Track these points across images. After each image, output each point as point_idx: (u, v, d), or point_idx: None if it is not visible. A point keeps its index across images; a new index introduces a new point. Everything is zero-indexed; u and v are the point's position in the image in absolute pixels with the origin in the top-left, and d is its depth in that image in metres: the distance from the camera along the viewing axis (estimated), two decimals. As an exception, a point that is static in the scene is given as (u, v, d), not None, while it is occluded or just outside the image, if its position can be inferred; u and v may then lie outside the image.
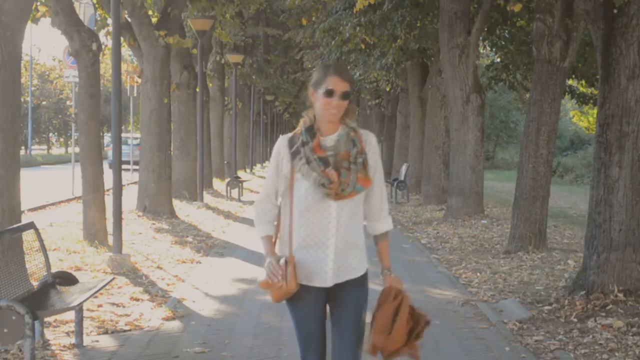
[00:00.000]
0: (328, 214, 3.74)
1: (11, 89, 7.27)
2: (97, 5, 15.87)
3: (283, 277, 3.74)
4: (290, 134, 3.84)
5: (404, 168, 22.55)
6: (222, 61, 27.25)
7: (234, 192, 22.05)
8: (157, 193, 15.94)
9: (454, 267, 10.69)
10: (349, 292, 3.84)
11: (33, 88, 53.19)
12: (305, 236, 3.76)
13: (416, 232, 14.69)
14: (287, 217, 3.81)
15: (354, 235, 3.81)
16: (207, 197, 20.50)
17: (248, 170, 35.55)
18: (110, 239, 10.80)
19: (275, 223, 3.92)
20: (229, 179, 22.62)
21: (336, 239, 3.76)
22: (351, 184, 3.70)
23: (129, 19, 15.61)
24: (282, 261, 3.75)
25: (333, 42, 21.12)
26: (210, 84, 26.30)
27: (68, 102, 48.33)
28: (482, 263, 10.83)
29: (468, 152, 15.60)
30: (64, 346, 6.39)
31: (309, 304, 3.92)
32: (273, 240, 3.88)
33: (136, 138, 31.22)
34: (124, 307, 7.93)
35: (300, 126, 3.81)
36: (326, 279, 3.79)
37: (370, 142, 3.83)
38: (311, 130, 3.77)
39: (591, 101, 21.89)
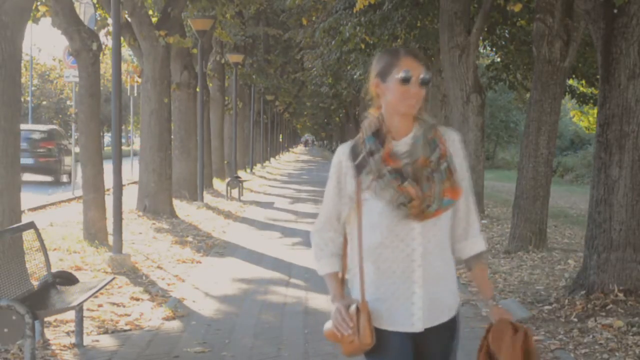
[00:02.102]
0: (411, 239, 2.91)
1: (11, 89, 7.27)
2: (97, 5, 15.87)
3: (354, 329, 2.90)
4: (351, 142, 3.01)
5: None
6: (223, 61, 27.24)
7: (234, 192, 22.05)
8: (157, 193, 15.94)
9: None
10: (440, 340, 3.03)
11: (33, 88, 53.16)
12: (383, 271, 2.93)
13: (416, 232, 14.67)
14: (356, 249, 2.95)
15: (445, 263, 2.99)
16: (207, 197, 20.50)
17: (248, 170, 35.56)
18: (111, 239, 10.81)
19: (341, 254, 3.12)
20: (229, 179, 22.62)
21: (424, 270, 2.92)
22: (437, 199, 2.86)
23: (129, 19, 15.61)
24: (352, 308, 2.91)
25: (333, 42, 21.13)
26: (211, 84, 26.30)
27: (68, 102, 48.32)
28: (482, 263, 10.82)
29: (468, 151, 15.58)
30: (64, 346, 6.39)
31: (393, 355, 2.97)
32: (340, 277, 3.07)
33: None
34: (124, 306, 7.93)
35: (364, 131, 2.97)
36: (414, 322, 2.94)
37: (454, 141, 3.02)
38: (379, 135, 2.92)
39: (591, 101, 21.89)
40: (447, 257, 3.02)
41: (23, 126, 16.70)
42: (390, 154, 2.90)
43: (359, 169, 2.92)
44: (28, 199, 14.66)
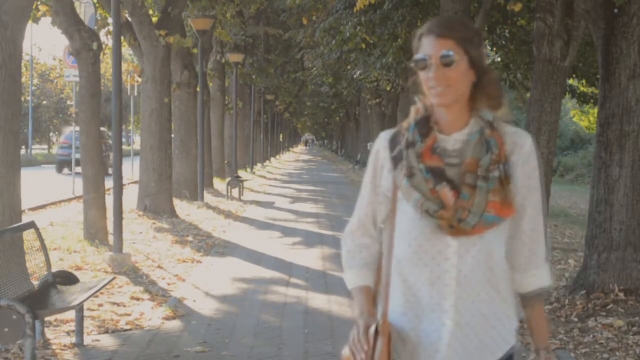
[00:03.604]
0: (443, 258, 2.37)
1: (11, 88, 7.27)
2: (97, 5, 15.87)
3: (368, 353, 2.36)
4: (393, 130, 2.53)
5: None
6: (223, 60, 27.25)
7: (235, 192, 22.05)
8: (158, 192, 15.94)
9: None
10: None
11: (33, 87, 53.18)
12: (409, 292, 2.42)
13: (416, 232, 14.67)
14: (387, 258, 2.48)
15: (493, 297, 2.41)
16: (208, 197, 20.51)
17: (248, 170, 35.56)
18: (111, 239, 10.81)
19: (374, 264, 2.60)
20: (229, 179, 22.62)
21: (458, 299, 2.37)
22: (475, 212, 2.31)
23: (130, 19, 15.62)
24: (371, 329, 2.40)
25: (333, 42, 21.13)
26: (211, 84, 26.31)
27: (68, 102, 48.39)
28: (482, 262, 10.82)
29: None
30: (65, 345, 6.39)
31: None
32: (372, 293, 2.54)
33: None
34: (124, 306, 7.93)
35: (410, 117, 2.49)
36: None
37: (523, 147, 2.42)
38: (425, 125, 2.42)
39: (592, 100, 21.89)
40: (498, 289, 2.41)
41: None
42: (432, 149, 2.38)
43: (395, 162, 2.42)
44: (28, 198, 14.66)
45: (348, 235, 2.59)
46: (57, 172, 19.14)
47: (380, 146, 2.50)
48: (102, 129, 30.95)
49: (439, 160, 2.37)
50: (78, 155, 13.24)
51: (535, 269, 2.50)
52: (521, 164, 2.41)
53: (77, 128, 27.91)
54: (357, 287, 2.53)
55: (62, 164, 31.24)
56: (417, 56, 2.39)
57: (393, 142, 2.46)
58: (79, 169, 9.80)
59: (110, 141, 29.99)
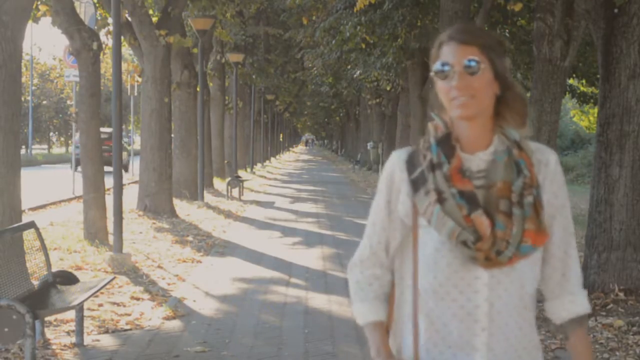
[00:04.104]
0: (474, 292, 2.16)
1: (12, 88, 7.27)
2: (97, 5, 15.88)
3: None
4: (408, 149, 2.29)
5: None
6: (223, 60, 27.25)
7: (235, 192, 22.06)
8: (158, 192, 15.94)
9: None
10: None
11: (34, 87, 53.21)
12: (432, 328, 2.20)
13: (417, 232, 14.67)
14: (409, 294, 2.25)
15: (522, 330, 2.21)
16: (208, 197, 20.51)
17: (249, 170, 35.56)
18: (111, 238, 10.81)
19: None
20: (229, 179, 22.62)
21: (490, 336, 2.17)
22: (513, 243, 2.11)
23: (130, 19, 15.62)
24: None
25: (333, 42, 21.15)
26: (211, 84, 26.31)
27: (69, 102, 48.38)
28: (482, 262, 10.83)
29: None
30: (65, 345, 6.39)
31: None
32: (386, 327, 2.34)
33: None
34: (124, 306, 7.93)
35: (428, 135, 2.24)
36: None
37: (548, 164, 2.24)
38: (447, 144, 2.18)
39: (592, 100, 21.91)
40: (530, 321, 2.23)
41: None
42: (460, 170, 2.15)
43: (416, 185, 2.19)
44: (28, 198, 14.66)
45: (357, 265, 2.36)
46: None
47: (395, 168, 2.26)
48: (108, 129, 32.13)
49: (469, 183, 2.14)
50: None
51: (570, 294, 2.28)
52: (548, 182, 2.22)
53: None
54: (370, 323, 2.31)
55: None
56: (438, 65, 2.18)
57: (411, 163, 2.23)
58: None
59: (125, 141, 32.47)
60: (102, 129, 11.12)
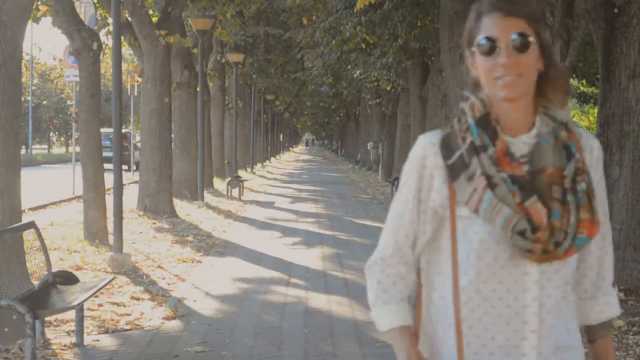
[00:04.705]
0: (522, 290, 1.96)
1: (12, 88, 7.27)
2: (97, 5, 15.87)
3: None
4: (440, 132, 2.05)
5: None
6: (223, 60, 27.26)
7: (235, 192, 22.05)
8: (158, 192, 15.94)
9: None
10: None
11: (34, 87, 53.21)
12: (470, 333, 1.98)
13: (417, 232, 14.67)
14: (446, 291, 2.02)
15: (568, 330, 2.03)
16: (208, 197, 20.51)
17: (249, 170, 35.55)
18: (111, 239, 10.81)
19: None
20: (229, 179, 22.63)
21: (540, 339, 1.97)
22: (571, 233, 1.92)
23: (130, 19, 15.62)
24: None
25: (333, 42, 21.15)
26: (211, 84, 26.31)
27: (69, 102, 48.36)
28: (482, 262, 10.82)
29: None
30: (65, 345, 6.39)
31: None
32: (414, 332, 2.09)
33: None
34: (124, 306, 7.93)
35: (465, 115, 2.01)
36: None
37: (592, 150, 2.05)
38: (486, 125, 1.97)
39: (592, 100, 21.93)
40: (572, 320, 2.05)
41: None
42: (507, 153, 1.94)
43: (455, 171, 1.96)
44: (28, 198, 14.66)
45: (377, 263, 2.09)
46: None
47: (426, 152, 2.01)
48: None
49: (520, 167, 1.93)
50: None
51: (605, 295, 2.11)
52: (593, 171, 2.02)
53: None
54: (397, 328, 2.05)
55: None
56: (480, 39, 1.94)
57: (446, 147, 1.99)
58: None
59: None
60: (106, 129, 11.25)
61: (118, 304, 7.98)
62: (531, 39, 1.92)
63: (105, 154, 12.80)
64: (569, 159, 1.96)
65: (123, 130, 36.45)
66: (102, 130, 15.14)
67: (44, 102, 57.50)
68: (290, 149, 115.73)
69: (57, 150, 65.97)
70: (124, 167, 33.38)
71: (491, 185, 1.91)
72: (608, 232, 2.09)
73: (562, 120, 2.00)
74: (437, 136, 2.03)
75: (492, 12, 1.95)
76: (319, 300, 8.40)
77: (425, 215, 2.03)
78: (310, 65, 31.48)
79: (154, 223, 14.67)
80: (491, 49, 1.93)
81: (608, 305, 2.12)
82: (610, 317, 2.12)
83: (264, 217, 17.30)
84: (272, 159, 59.88)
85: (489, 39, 1.93)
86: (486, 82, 1.97)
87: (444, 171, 1.99)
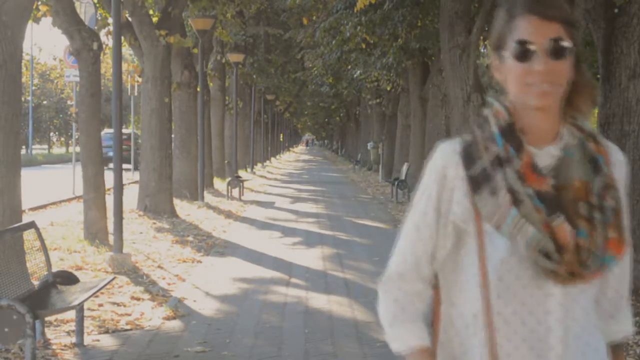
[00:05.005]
0: (545, 312, 1.84)
1: (12, 88, 7.27)
2: (97, 5, 15.88)
3: None
4: (460, 140, 1.93)
5: (404, 167, 22.57)
6: (223, 60, 27.27)
7: (235, 192, 22.06)
8: (158, 192, 15.94)
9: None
10: None
11: (34, 87, 53.21)
12: (502, 357, 1.85)
13: (417, 232, 14.66)
14: (468, 309, 1.89)
15: (597, 350, 1.91)
16: (208, 197, 20.51)
17: (249, 170, 35.56)
18: (111, 239, 10.81)
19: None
20: (229, 179, 22.63)
21: None
22: (597, 254, 1.81)
23: (130, 19, 15.62)
24: None
25: (334, 42, 21.17)
26: (211, 84, 26.32)
27: (69, 102, 48.36)
28: (482, 262, 10.82)
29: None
30: (65, 345, 6.39)
31: None
32: (432, 352, 1.96)
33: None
34: (124, 306, 7.93)
35: (488, 122, 1.89)
36: None
37: (620, 165, 1.96)
38: (511, 135, 1.85)
39: (592, 100, 21.92)
40: (598, 342, 1.91)
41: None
42: (532, 167, 1.82)
43: (477, 183, 1.84)
44: (28, 198, 14.67)
45: (394, 279, 1.96)
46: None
47: (447, 162, 1.90)
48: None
49: (545, 182, 1.81)
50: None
51: (622, 315, 2.02)
52: (621, 184, 1.94)
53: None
54: (415, 349, 1.92)
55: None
56: (516, 41, 1.82)
57: (468, 157, 1.87)
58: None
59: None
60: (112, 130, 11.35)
61: (118, 304, 7.98)
62: (568, 44, 1.81)
63: (112, 154, 12.93)
64: (596, 173, 1.85)
65: (128, 131, 36.03)
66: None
67: (44, 102, 57.52)
68: (291, 149, 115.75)
69: (57, 150, 66.00)
70: (129, 166, 33.00)
71: (516, 201, 1.79)
72: (629, 248, 1.94)
73: (590, 132, 1.89)
74: (457, 144, 1.91)
75: (527, 15, 1.82)
76: (319, 301, 8.40)
77: (445, 229, 1.91)
78: (310, 65, 31.50)
79: (154, 223, 14.67)
80: (526, 53, 1.81)
81: (625, 325, 2.04)
82: (627, 336, 2.05)
83: (264, 217, 17.30)
84: (272, 159, 59.89)
85: (523, 42, 1.81)
86: (516, 88, 1.85)
87: (465, 183, 1.87)
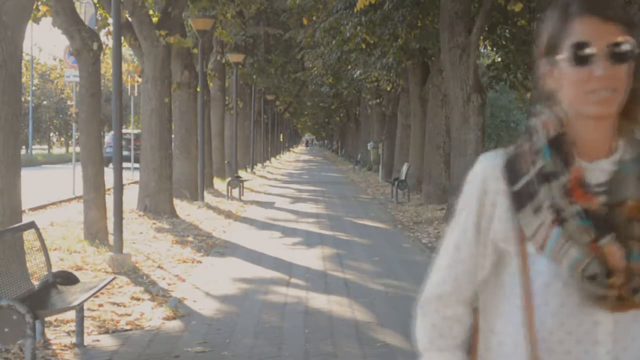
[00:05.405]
0: (592, 342, 1.69)
1: (12, 88, 7.27)
2: (97, 5, 15.89)
3: None
4: (504, 151, 1.78)
5: (404, 167, 22.58)
6: (223, 61, 27.27)
7: (235, 192, 22.06)
8: (158, 192, 15.94)
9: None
10: None
11: (34, 87, 53.22)
12: None
13: (417, 232, 14.69)
14: (509, 335, 1.75)
15: None
16: (208, 197, 20.51)
17: (249, 170, 35.56)
18: (111, 239, 10.81)
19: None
20: (229, 179, 22.64)
21: None
22: None
23: (130, 19, 15.62)
24: None
25: (334, 42, 21.17)
26: (211, 84, 26.32)
27: (69, 102, 48.37)
28: (482, 263, 10.82)
29: (469, 151, 15.60)
30: (65, 346, 6.39)
31: None
32: None
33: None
34: (124, 306, 7.93)
35: (538, 134, 1.74)
36: None
37: None
38: (560, 147, 1.70)
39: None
40: None
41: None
42: (582, 183, 1.67)
43: (520, 200, 1.70)
44: (28, 198, 14.67)
45: (433, 301, 1.82)
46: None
47: (488, 175, 1.76)
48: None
49: (595, 200, 1.66)
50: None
51: None
52: None
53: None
54: None
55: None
56: (574, 44, 1.66)
57: (511, 170, 1.72)
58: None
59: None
60: (124, 130, 11.35)
61: (118, 304, 7.98)
62: (631, 48, 1.66)
63: (109, 154, 12.92)
64: None
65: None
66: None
67: (44, 102, 57.52)
68: (291, 149, 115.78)
69: (57, 150, 66.01)
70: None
71: (560, 220, 1.65)
72: None
73: None
74: (500, 157, 1.76)
75: (586, 15, 1.67)
76: (319, 301, 8.40)
77: (485, 247, 1.77)
78: (310, 65, 31.50)
79: (154, 223, 14.67)
80: (585, 57, 1.65)
81: None
82: None
83: (264, 217, 17.30)
84: (272, 159, 59.90)
85: (582, 45, 1.65)
86: (573, 95, 1.68)
87: (508, 199, 1.72)
